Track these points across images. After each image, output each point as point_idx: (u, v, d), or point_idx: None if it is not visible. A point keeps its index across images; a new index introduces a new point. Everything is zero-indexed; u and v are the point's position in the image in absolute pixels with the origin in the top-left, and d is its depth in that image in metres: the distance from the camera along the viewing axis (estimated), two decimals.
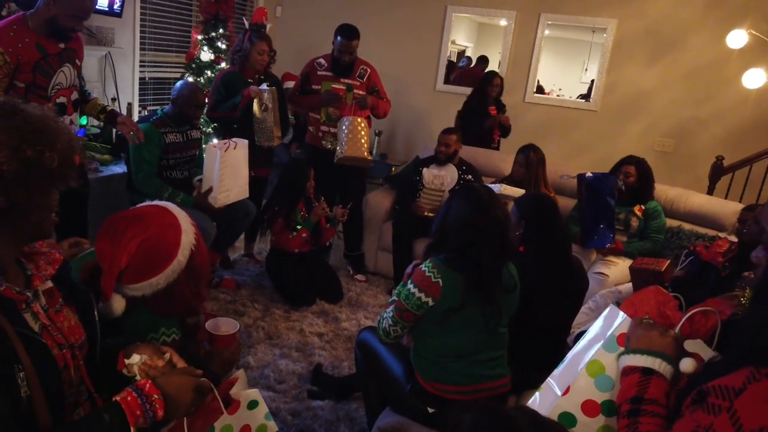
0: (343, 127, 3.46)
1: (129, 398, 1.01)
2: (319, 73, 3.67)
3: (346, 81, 3.62)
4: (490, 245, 1.79)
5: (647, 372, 1.02)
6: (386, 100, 3.79)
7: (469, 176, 3.82)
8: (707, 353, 1.06)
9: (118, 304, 1.29)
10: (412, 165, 4.12)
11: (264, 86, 3.37)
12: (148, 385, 1.04)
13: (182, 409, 1.08)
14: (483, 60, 6.13)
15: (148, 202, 1.41)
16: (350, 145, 3.43)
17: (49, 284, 1.08)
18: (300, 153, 4.96)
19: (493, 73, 4.64)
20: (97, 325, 1.17)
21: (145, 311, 1.33)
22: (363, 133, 3.47)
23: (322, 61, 3.69)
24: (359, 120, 3.48)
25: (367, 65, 3.71)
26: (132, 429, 0.99)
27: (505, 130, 4.65)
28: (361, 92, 3.63)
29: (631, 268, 2.81)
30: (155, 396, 1.03)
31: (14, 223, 0.98)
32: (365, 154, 3.50)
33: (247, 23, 3.59)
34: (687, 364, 1.02)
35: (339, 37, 3.54)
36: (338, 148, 3.49)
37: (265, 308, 3.29)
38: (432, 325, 1.80)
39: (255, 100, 3.38)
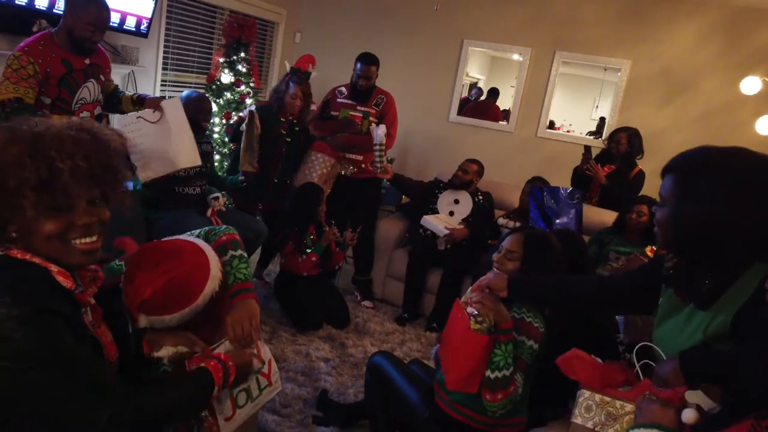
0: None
1: (212, 363, 1.22)
2: (338, 100, 3.79)
3: (363, 108, 3.73)
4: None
5: None
6: (390, 135, 3.76)
7: (481, 197, 3.86)
8: (707, 404, 1.10)
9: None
10: (430, 183, 4.08)
11: (249, 109, 3.42)
12: (223, 355, 1.26)
13: (247, 378, 1.33)
14: (493, 92, 6.12)
15: (186, 236, 1.42)
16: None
17: (92, 301, 1.12)
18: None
19: (620, 128, 4.09)
20: (132, 345, 1.20)
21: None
22: (325, 171, 3.71)
23: (343, 89, 3.82)
24: (326, 158, 3.71)
25: (385, 94, 3.82)
26: (216, 388, 1.19)
27: (611, 195, 3.83)
28: (374, 120, 3.74)
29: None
30: (230, 363, 1.25)
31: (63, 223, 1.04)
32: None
33: (288, 67, 3.63)
34: (689, 415, 1.08)
35: (358, 63, 3.68)
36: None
37: (272, 330, 3.27)
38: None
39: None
